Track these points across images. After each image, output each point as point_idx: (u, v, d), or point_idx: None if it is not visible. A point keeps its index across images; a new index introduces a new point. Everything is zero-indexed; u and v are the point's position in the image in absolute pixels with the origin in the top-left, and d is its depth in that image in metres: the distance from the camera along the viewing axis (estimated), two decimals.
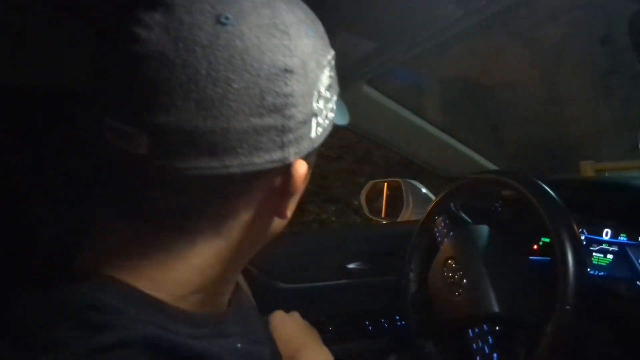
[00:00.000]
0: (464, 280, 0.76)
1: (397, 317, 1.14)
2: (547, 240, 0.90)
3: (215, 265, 0.36)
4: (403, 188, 1.33)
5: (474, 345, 0.77)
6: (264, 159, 0.31)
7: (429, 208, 0.93)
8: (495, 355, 0.74)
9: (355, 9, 0.68)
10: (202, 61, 0.28)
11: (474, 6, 0.66)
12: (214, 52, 0.28)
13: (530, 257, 0.85)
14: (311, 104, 0.33)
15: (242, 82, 0.29)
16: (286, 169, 0.34)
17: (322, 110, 0.34)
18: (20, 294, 0.33)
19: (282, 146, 0.32)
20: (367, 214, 1.42)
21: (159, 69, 0.28)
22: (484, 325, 0.77)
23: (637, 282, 0.76)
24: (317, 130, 0.34)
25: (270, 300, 1.11)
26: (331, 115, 0.37)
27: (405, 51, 0.83)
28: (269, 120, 0.30)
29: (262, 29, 0.30)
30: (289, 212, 0.37)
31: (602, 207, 0.88)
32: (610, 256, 0.82)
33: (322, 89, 0.34)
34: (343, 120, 0.41)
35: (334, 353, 1.19)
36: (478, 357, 0.76)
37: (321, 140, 0.36)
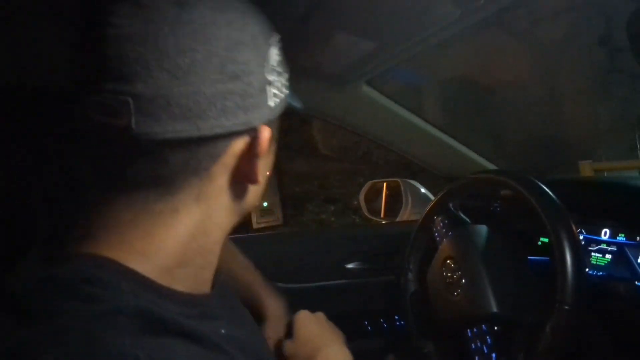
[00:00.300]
0: (463, 280, 0.76)
1: (396, 317, 1.14)
2: (546, 240, 0.90)
3: (198, 235, 0.40)
4: (402, 188, 1.33)
5: (473, 345, 0.77)
6: (231, 122, 0.36)
7: (427, 208, 0.93)
8: (493, 355, 0.74)
9: (353, 9, 0.68)
10: (169, 37, 0.33)
11: (472, 6, 0.66)
12: (179, 29, 0.34)
13: (529, 257, 0.85)
14: (264, 73, 0.38)
15: (205, 52, 0.34)
16: (252, 133, 0.39)
17: (275, 81, 0.40)
18: (20, 274, 0.36)
19: (245, 110, 0.37)
20: (366, 214, 1.42)
21: (133, 47, 0.33)
22: (483, 325, 0.77)
23: (636, 282, 0.76)
24: (274, 99, 0.40)
25: None
26: (285, 91, 0.42)
27: (404, 51, 0.83)
28: (231, 86, 0.36)
29: (217, 9, 0.36)
30: (260, 177, 0.41)
31: (601, 207, 0.88)
32: (608, 256, 0.82)
33: (273, 63, 0.40)
34: (298, 104, 0.48)
35: None
36: (477, 357, 0.76)
37: (278, 111, 0.41)
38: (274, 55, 0.40)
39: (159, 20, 0.33)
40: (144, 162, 0.35)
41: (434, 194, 1.02)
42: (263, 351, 0.51)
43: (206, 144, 0.36)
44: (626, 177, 1.49)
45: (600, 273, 0.82)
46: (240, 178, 0.40)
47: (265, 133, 0.39)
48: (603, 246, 0.83)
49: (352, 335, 1.14)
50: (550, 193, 0.70)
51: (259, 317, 0.70)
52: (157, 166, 0.36)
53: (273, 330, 0.69)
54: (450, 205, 0.90)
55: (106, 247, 0.37)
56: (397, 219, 1.31)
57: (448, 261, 0.80)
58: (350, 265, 1.15)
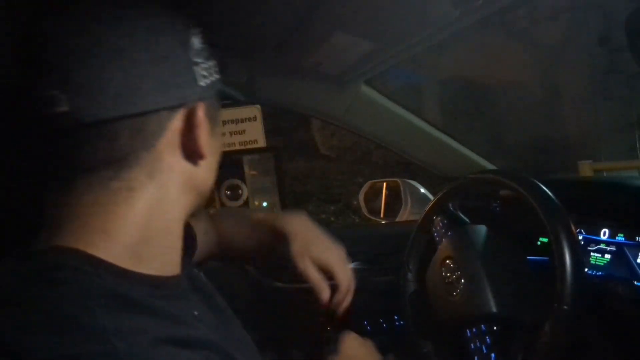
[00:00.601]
0: (462, 280, 0.76)
1: (396, 317, 1.14)
2: (545, 240, 0.90)
3: (156, 212, 0.43)
4: (401, 188, 1.33)
5: (472, 345, 0.77)
6: (165, 98, 0.41)
7: (427, 208, 0.93)
8: (492, 355, 0.74)
9: (352, 9, 0.68)
10: (95, 31, 0.38)
11: (471, 6, 0.66)
12: (103, 28, 0.39)
13: (528, 257, 0.85)
14: (189, 55, 0.42)
15: (131, 38, 0.39)
16: (187, 110, 0.43)
17: (201, 63, 0.44)
18: None
19: (177, 87, 0.41)
20: (366, 214, 1.42)
21: (63, 43, 0.38)
22: (482, 325, 0.77)
23: (635, 282, 0.76)
24: (204, 80, 0.44)
25: (268, 300, 1.12)
26: (216, 75, 0.46)
27: (403, 51, 0.84)
28: (158, 67, 0.40)
29: (136, 6, 0.41)
30: (204, 151, 0.45)
31: (600, 207, 0.88)
32: (607, 256, 0.82)
33: (196, 47, 0.44)
34: (235, 93, 0.53)
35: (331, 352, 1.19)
36: (476, 357, 0.76)
37: (211, 92, 0.46)
38: (196, 42, 0.44)
39: (85, 19, 0.39)
40: (94, 144, 0.39)
41: (434, 194, 1.02)
42: (239, 336, 0.53)
43: (147, 121, 0.40)
44: (626, 177, 1.49)
45: (600, 273, 0.82)
46: (188, 154, 0.45)
47: (200, 109, 0.43)
48: (602, 246, 0.83)
49: None
50: (549, 193, 0.70)
51: (284, 240, 0.71)
52: (106, 145, 0.39)
53: (299, 246, 0.70)
54: (450, 205, 0.90)
55: (72, 236, 0.40)
56: (397, 219, 1.31)
57: (447, 261, 0.80)
58: (350, 265, 1.15)
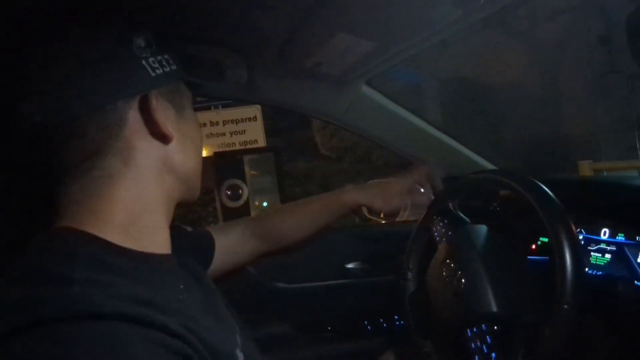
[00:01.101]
0: (462, 280, 0.76)
1: (396, 317, 1.14)
2: (545, 239, 0.91)
3: (139, 194, 0.48)
4: None
5: (472, 345, 0.77)
6: (119, 91, 0.47)
7: (427, 208, 0.93)
8: (493, 354, 0.74)
9: (353, 9, 0.68)
10: (47, 53, 0.45)
11: (472, 6, 0.66)
12: (53, 49, 0.45)
13: (529, 257, 0.85)
14: (131, 52, 0.48)
15: (76, 50, 0.46)
16: (141, 98, 0.48)
17: (148, 57, 0.49)
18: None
19: (127, 79, 0.47)
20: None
21: (27, 69, 0.45)
22: (482, 325, 0.77)
23: (635, 282, 0.76)
24: (155, 71, 0.49)
25: (269, 300, 1.12)
26: (172, 67, 0.52)
27: (404, 51, 0.84)
28: (106, 65, 0.46)
29: (78, 26, 0.47)
30: (171, 134, 0.50)
31: (600, 206, 0.88)
32: (608, 256, 0.82)
33: (141, 44, 0.49)
34: (197, 80, 0.58)
35: (332, 352, 1.19)
36: (476, 357, 0.76)
37: (167, 80, 0.51)
38: (140, 41, 0.50)
39: (37, 45, 0.45)
40: (68, 143, 0.45)
41: (434, 194, 1.02)
42: (222, 311, 0.58)
43: (107, 113, 0.46)
44: (626, 176, 1.49)
45: (600, 272, 0.82)
46: (156, 137, 0.50)
47: (152, 96, 0.49)
48: (602, 246, 0.83)
49: (351, 335, 1.15)
50: (549, 193, 0.70)
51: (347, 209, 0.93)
52: (78, 141, 0.45)
53: (379, 203, 0.91)
54: (450, 205, 0.90)
55: (67, 220, 0.46)
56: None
57: (448, 261, 0.80)
58: (350, 265, 1.15)
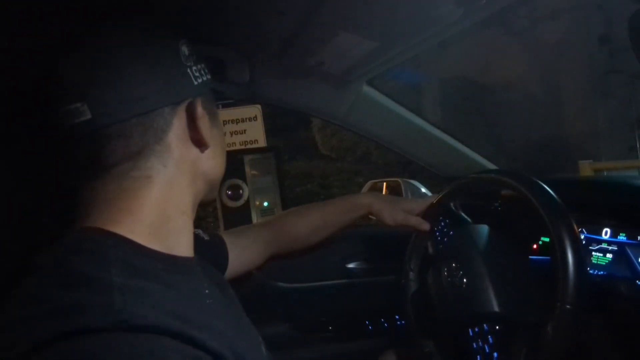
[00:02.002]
0: (464, 280, 0.76)
1: (397, 317, 1.14)
2: (547, 239, 0.91)
3: (171, 196, 0.50)
4: (402, 187, 1.33)
5: (474, 345, 0.77)
6: (165, 98, 0.48)
7: (429, 208, 0.93)
8: (495, 354, 0.74)
9: (355, 9, 0.68)
10: (102, 56, 0.47)
11: (474, 6, 0.66)
12: (108, 51, 0.47)
13: (530, 257, 0.85)
14: (179, 60, 0.50)
15: (130, 55, 0.47)
16: (187, 106, 0.50)
17: (192, 66, 0.52)
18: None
19: (174, 87, 0.49)
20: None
21: (81, 69, 0.47)
22: (484, 325, 0.77)
23: (637, 281, 0.76)
24: (197, 79, 0.52)
25: (270, 300, 1.12)
26: (207, 75, 0.54)
27: (406, 51, 0.84)
28: (154, 73, 0.48)
29: (129, 33, 0.49)
30: (207, 140, 0.52)
31: (602, 206, 0.88)
32: (609, 255, 0.82)
33: (186, 53, 0.51)
34: (231, 90, 0.65)
35: (334, 352, 1.19)
36: (478, 357, 0.76)
37: (205, 89, 0.54)
38: (185, 49, 0.52)
39: (94, 48, 0.47)
40: (114, 143, 0.46)
41: (434, 194, 1.02)
42: (243, 319, 0.59)
43: (154, 118, 0.48)
44: (627, 176, 1.49)
45: (601, 272, 0.82)
46: (194, 143, 0.52)
47: (198, 103, 0.50)
48: (604, 245, 0.83)
49: (353, 335, 1.15)
50: (551, 193, 0.70)
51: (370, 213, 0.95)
52: (123, 143, 0.47)
53: (387, 212, 0.92)
54: (452, 205, 0.90)
55: (99, 218, 0.46)
56: None
57: (449, 260, 0.80)
58: (351, 265, 1.15)
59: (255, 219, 2.99)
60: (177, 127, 0.50)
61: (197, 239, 0.76)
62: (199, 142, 0.52)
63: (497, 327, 0.76)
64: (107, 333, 0.36)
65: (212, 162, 0.55)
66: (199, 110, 0.50)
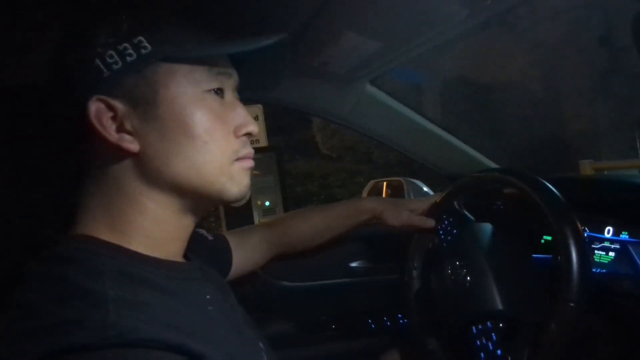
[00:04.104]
0: (468, 278, 0.77)
1: (400, 316, 1.14)
2: (549, 238, 0.91)
3: (161, 205, 0.46)
4: (404, 187, 1.34)
5: (478, 342, 0.77)
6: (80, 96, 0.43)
7: (432, 207, 0.94)
8: (499, 351, 0.74)
9: (360, 9, 0.69)
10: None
11: (479, 6, 0.66)
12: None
13: (533, 255, 0.86)
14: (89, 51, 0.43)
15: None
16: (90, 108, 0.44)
17: (105, 53, 0.43)
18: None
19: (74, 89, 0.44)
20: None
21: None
22: (488, 322, 0.77)
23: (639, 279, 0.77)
24: (114, 66, 0.43)
25: (273, 299, 1.12)
26: (142, 50, 0.44)
27: (410, 51, 0.84)
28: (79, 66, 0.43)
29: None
30: (125, 144, 0.44)
31: (604, 205, 0.88)
32: (612, 254, 0.82)
33: (101, 41, 0.43)
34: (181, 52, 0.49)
35: (337, 351, 1.19)
36: (482, 354, 0.76)
37: (123, 74, 0.44)
38: (100, 39, 0.43)
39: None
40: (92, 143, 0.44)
41: (437, 193, 1.02)
42: (244, 324, 0.55)
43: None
44: (628, 175, 1.49)
45: (604, 270, 0.83)
46: (112, 149, 0.45)
47: (92, 100, 0.43)
48: (606, 244, 0.83)
49: (355, 334, 1.15)
50: (555, 191, 0.70)
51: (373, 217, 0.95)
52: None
53: (392, 215, 0.92)
54: (455, 203, 0.91)
55: (92, 226, 0.44)
56: None
57: (453, 259, 0.81)
58: (354, 264, 1.15)
59: (257, 218, 3.00)
60: (94, 136, 0.43)
61: (200, 238, 0.76)
62: (115, 147, 0.43)
63: (501, 325, 0.76)
64: (101, 350, 0.34)
65: (156, 163, 0.45)
66: (93, 110, 0.42)
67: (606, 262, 0.83)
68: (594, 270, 0.83)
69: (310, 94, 1.05)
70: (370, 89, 1.04)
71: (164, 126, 0.44)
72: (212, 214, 4.04)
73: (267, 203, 2.93)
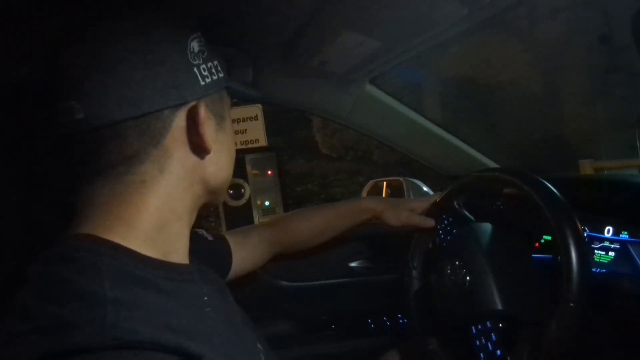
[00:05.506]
0: (467, 277, 0.77)
1: (399, 315, 1.14)
2: (549, 237, 0.91)
3: (168, 202, 0.47)
4: (404, 186, 1.34)
5: (477, 342, 0.77)
6: (166, 99, 0.45)
7: (432, 206, 0.94)
8: (498, 351, 0.74)
9: (359, 9, 0.69)
10: (99, 50, 0.43)
11: (478, 5, 0.66)
12: (104, 45, 0.43)
13: (533, 255, 0.86)
14: (185, 58, 0.46)
15: (129, 51, 0.43)
16: (189, 109, 0.47)
17: (200, 64, 0.48)
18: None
19: (177, 88, 0.45)
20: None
21: (76, 65, 0.43)
22: (487, 322, 0.77)
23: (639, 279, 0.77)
24: (205, 79, 0.48)
25: (273, 298, 1.12)
26: (219, 74, 0.50)
27: (409, 50, 0.84)
28: (157, 72, 0.44)
29: (131, 21, 0.45)
30: (208, 145, 0.48)
31: (604, 204, 0.88)
32: (611, 253, 0.82)
33: (195, 50, 0.47)
34: (251, 92, 0.62)
35: (336, 351, 1.19)
36: (481, 354, 0.76)
37: (214, 89, 0.49)
38: (195, 46, 0.48)
39: (89, 41, 0.44)
40: (107, 145, 0.44)
41: (437, 192, 1.02)
42: (243, 325, 0.56)
43: (151, 120, 0.44)
44: (628, 174, 1.49)
45: (604, 270, 0.83)
46: (194, 149, 0.48)
47: (201, 107, 0.47)
48: (606, 244, 0.83)
49: (355, 334, 1.15)
50: (555, 191, 0.70)
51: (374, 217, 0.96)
52: (118, 145, 0.44)
53: (392, 214, 0.93)
54: (455, 203, 0.91)
55: (93, 224, 0.44)
56: None
57: (452, 259, 0.81)
58: (353, 264, 1.15)
59: (256, 218, 3.00)
60: (177, 130, 0.46)
61: (200, 239, 0.76)
62: (200, 148, 0.48)
63: (500, 325, 0.76)
64: (98, 352, 0.34)
65: (214, 168, 0.50)
66: (202, 113, 0.46)
67: (606, 262, 0.83)
68: (594, 270, 0.83)
69: (309, 94, 1.05)
70: (370, 89, 1.04)
71: (225, 138, 0.52)
72: (212, 214, 4.04)
73: (267, 203, 2.94)
